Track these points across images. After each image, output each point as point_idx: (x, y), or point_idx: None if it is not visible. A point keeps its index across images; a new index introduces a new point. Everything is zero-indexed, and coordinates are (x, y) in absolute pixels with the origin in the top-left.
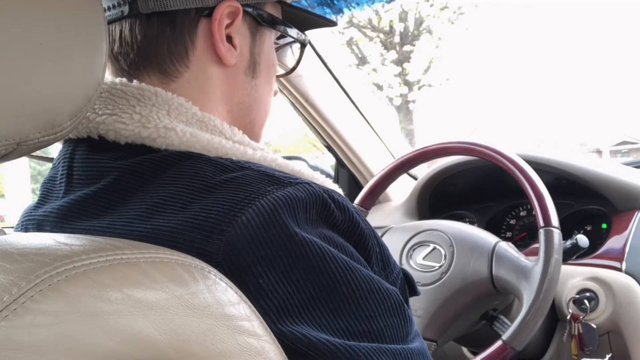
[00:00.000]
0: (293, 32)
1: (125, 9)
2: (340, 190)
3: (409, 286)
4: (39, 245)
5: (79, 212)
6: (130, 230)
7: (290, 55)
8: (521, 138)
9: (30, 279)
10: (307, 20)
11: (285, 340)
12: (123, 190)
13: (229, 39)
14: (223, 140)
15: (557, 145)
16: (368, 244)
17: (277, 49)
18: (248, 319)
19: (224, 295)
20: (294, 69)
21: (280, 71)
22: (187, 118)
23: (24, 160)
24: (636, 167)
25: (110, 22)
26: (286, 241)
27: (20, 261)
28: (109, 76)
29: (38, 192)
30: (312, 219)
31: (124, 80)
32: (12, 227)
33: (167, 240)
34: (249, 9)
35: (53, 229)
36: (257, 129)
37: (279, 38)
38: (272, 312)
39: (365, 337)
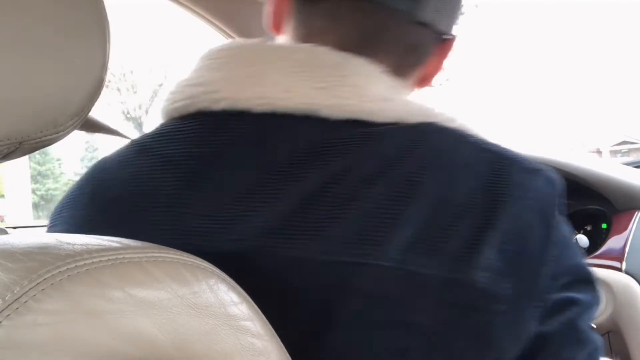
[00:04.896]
0: None
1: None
2: None
3: None
4: (41, 245)
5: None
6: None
7: None
8: (521, 138)
9: (33, 278)
10: None
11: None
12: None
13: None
14: (430, 109)
15: (557, 145)
16: None
17: None
18: (250, 319)
19: (227, 295)
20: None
21: None
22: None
23: (24, 161)
24: (636, 167)
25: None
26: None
27: (23, 260)
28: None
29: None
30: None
31: (329, 49)
32: (13, 227)
33: None
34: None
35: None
36: None
37: None
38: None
39: None
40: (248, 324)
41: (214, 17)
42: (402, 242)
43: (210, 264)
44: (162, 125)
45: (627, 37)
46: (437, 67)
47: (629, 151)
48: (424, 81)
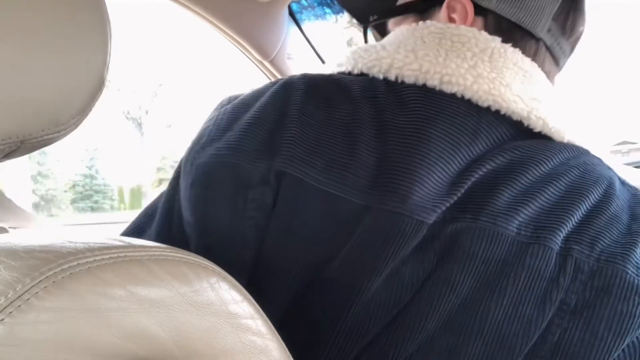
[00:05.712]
0: None
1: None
2: None
3: None
4: (43, 243)
5: None
6: None
7: None
8: None
9: (35, 276)
10: None
11: None
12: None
13: None
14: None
15: None
16: None
17: None
18: (252, 317)
19: (228, 294)
20: None
21: None
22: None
23: (24, 161)
24: (636, 167)
25: None
26: None
27: (25, 258)
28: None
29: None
30: None
31: (537, 67)
32: (14, 227)
33: None
34: None
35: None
36: None
37: None
38: None
39: None
40: (249, 322)
41: (214, 17)
42: (566, 232)
43: (212, 263)
44: (371, 84)
45: (627, 37)
46: None
47: (629, 151)
48: None
